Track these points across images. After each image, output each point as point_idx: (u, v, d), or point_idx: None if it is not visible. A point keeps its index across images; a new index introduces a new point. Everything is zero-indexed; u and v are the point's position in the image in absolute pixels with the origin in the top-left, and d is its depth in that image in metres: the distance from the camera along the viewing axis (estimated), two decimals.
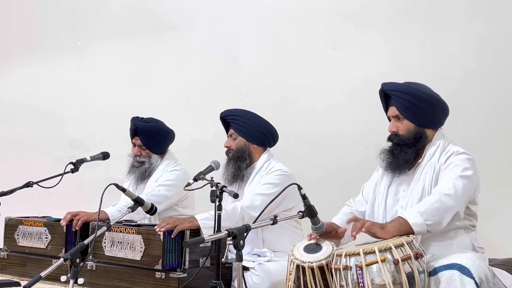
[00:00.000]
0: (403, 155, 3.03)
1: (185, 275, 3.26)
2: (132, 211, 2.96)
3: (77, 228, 3.68)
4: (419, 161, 3.05)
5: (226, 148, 3.85)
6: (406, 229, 2.74)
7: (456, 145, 3.05)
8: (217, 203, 3.09)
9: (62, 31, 6.11)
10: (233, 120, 3.83)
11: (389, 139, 3.12)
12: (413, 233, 2.74)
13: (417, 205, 2.85)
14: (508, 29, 4.31)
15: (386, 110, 3.16)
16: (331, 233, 2.95)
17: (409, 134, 3.04)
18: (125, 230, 3.43)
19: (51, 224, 3.76)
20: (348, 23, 4.85)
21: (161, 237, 3.29)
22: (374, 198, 3.16)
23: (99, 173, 5.39)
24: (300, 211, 2.81)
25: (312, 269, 2.75)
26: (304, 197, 2.76)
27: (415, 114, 3.04)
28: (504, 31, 4.32)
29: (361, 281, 2.57)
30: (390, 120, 3.15)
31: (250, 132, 3.79)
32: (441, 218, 2.78)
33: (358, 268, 2.59)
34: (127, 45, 5.76)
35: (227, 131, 3.91)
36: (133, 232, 3.40)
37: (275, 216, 2.78)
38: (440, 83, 4.30)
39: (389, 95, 3.08)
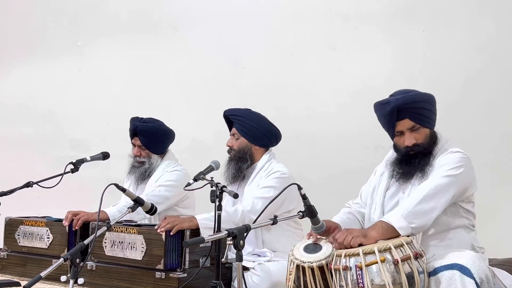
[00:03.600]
0: (423, 162, 2.98)
1: (185, 275, 3.26)
2: (132, 211, 2.96)
3: (77, 227, 3.68)
4: None
5: (228, 147, 3.84)
6: (390, 233, 2.73)
7: (452, 142, 3.05)
8: (217, 203, 3.09)
9: (62, 31, 6.11)
10: (236, 119, 3.82)
11: (406, 152, 3.01)
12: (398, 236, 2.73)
13: (399, 208, 2.84)
14: (507, 29, 4.31)
15: (393, 126, 3.01)
16: (330, 231, 2.93)
17: (427, 140, 3.00)
18: (126, 230, 3.43)
19: (53, 224, 3.76)
20: (348, 23, 4.85)
21: (163, 236, 3.29)
22: (372, 202, 3.15)
23: (99, 173, 5.39)
24: (300, 211, 2.81)
25: (312, 269, 2.75)
26: (304, 197, 2.75)
27: (428, 119, 3.00)
28: (503, 31, 4.32)
29: (361, 281, 2.57)
30: (395, 136, 3.05)
31: (253, 133, 3.77)
32: (424, 220, 2.78)
33: (357, 269, 2.58)
34: (127, 45, 5.76)
35: (230, 129, 3.90)
36: (134, 232, 3.40)
37: (275, 216, 2.77)
38: (440, 83, 4.33)
39: (401, 109, 2.97)
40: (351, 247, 2.69)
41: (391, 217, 2.78)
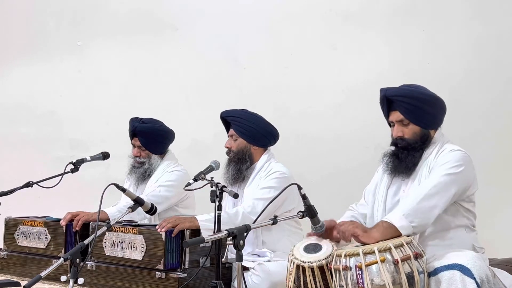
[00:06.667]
0: (411, 158, 3.00)
1: (185, 275, 3.26)
2: (132, 211, 2.96)
3: (77, 228, 3.68)
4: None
5: (227, 149, 3.84)
6: (391, 233, 2.74)
7: (453, 144, 3.05)
8: (217, 203, 3.09)
9: (62, 31, 6.11)
10: (233, 121, 3.81)
11: (394, 143, 3.08)
12: (400, 236, 2.74)
13: (400, 207, 2.85)
14: (507, 29, 4.32)
15: (387, 115, 3.10)
16: (331, 230, 2.94)
17: (415, 137, 3.02)
18: (126, 230, 3.43)
19: (51, 224, 3.76)
20: (348, 23, 4.85)
21: (163, 236, 3.29)
22: (374, 200, 3.16)
23: (99, 173, 5.39)
24: (300, 211, 2.81)
25: (312, 269, 2.75)
26: (304, 197, 2.75)
27: (421, 117, 3.01)
28: (503, 31, 4.33)
29: (361, 281, 2.57)
30: (390, 125, 3.11)
31: (251, 134, 3.77)
32: (425, 218, 2.79)
33: (357, 269, 2.59)
34: (127, 45, 5.76)
35: (227, 131, 3.89)
36: (134, 232, 3.40)
37: (275, 216, 2.78)
38: (440, 82, 4.32)
39: (392, 100, 3.03)
40: (350, 241, 2.71)
41: (392, 217, 2.78)
